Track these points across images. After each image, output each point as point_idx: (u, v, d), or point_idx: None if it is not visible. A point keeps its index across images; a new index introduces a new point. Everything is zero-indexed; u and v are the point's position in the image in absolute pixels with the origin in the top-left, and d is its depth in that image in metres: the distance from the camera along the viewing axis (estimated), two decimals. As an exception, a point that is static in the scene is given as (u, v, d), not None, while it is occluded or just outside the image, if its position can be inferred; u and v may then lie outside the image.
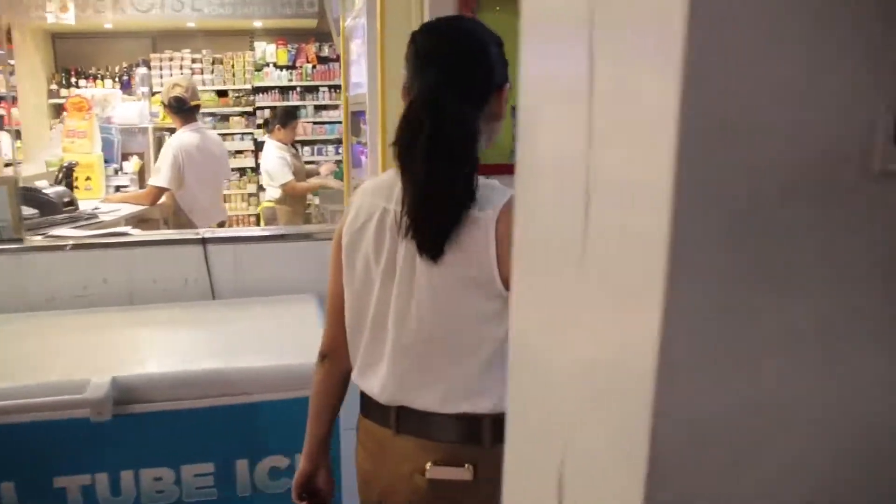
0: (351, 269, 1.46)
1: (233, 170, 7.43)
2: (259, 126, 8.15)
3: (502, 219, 1.29)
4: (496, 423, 1.37)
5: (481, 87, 1.34)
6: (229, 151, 6.52)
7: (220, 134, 5.87)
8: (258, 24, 8.15)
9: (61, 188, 3.70)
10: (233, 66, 8.32)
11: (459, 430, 1.39)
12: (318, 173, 5.52)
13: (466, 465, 1.38)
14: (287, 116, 5.23)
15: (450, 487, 1.39)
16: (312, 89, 8.40)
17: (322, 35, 7.88)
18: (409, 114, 1.31)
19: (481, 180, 1.32)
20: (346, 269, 1.47)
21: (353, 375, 1.52)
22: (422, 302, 1.35)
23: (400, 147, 1.31)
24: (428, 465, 1.38)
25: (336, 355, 1.56)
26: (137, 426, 1.96)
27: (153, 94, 5.97)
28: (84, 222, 3.40)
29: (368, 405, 1.49)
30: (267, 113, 7.71)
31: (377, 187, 1.44)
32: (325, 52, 8.34)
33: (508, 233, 1.13)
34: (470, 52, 1.35)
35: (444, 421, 1.38)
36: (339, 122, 6.20)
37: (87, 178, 4.40)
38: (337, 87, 7.65)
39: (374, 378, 1.45)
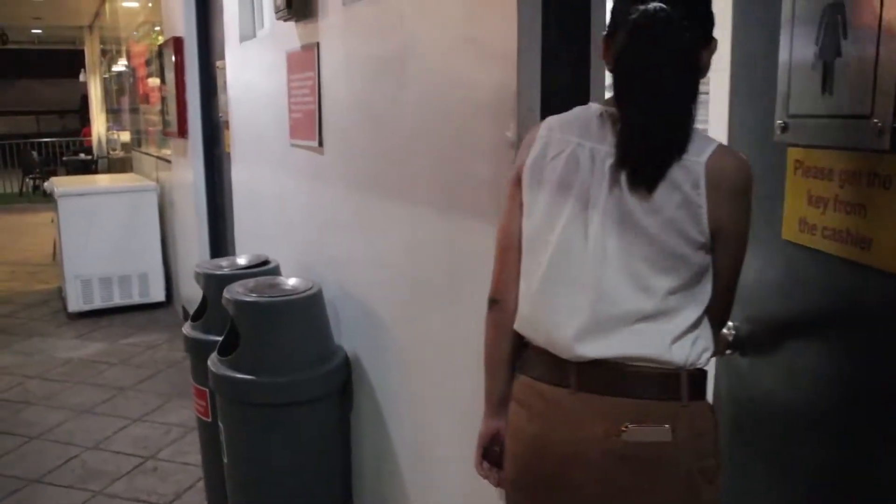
0: (533, 204, 1.42)
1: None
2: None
3: (710, 165, 1.28)
4: (692, 377, 1.32)
5: (699, 39, 1.31)
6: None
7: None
8: None
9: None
10: None
11: (657, 384, 1.31)
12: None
13: (665, 425, 1.29)
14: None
15: (646, 450, 1.30)
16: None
17: None
18: (632, 48, 1.29)
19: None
20: (527, 205, 1.43)
21: (518, 324, 1.45)
22: (623, 241, 1.31)
23: (623, 80, 1.32)
24: (626, 426, 1.29)
25: (508, 300, 1.47)
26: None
27: None
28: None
29: (535, 361, 1.42)
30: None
31: (567, 123, 1.42)
32: None
33: (715, 181, 1.28)
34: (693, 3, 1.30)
35: (639, 375, 1.31)
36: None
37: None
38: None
39: (550, 327, 1.37)
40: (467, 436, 1.98)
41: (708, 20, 1.32)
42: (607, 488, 1.32)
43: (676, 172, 1.29)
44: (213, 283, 3.02)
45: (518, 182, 1.45)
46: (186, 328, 3.13)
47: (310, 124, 2.91)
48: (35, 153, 16.92)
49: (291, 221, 3.32)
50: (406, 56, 2.19)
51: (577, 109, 1.44)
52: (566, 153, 1.38)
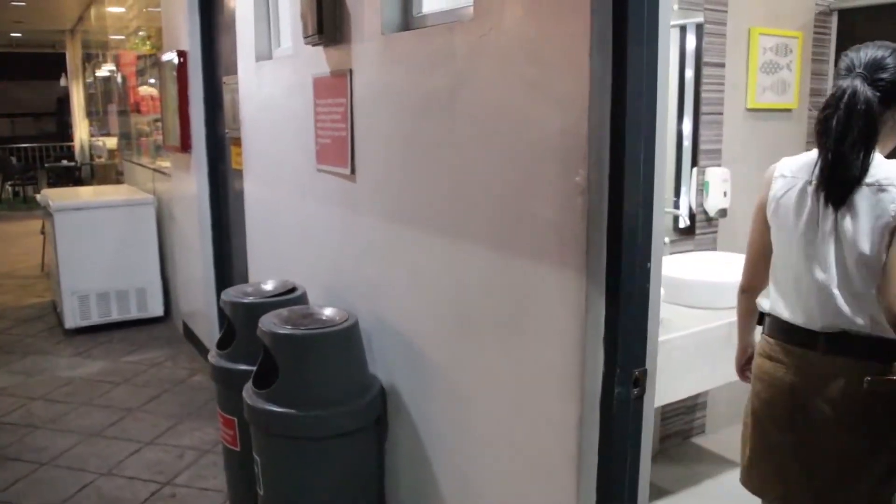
0: (778, 228, 2.13)
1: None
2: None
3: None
4: None
5: (883, 105, 1.95)
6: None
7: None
8: None
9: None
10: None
11: (885, 348, 1.96)
12: None
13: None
14: None
15: (880, 392, 1.95)
16: None
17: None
18: (829, 104, 1.98)
19: (877, 157, 1.96)
20: (773, 228, 2.15)
21: (772, 306, 2.18)
22: (838, 249, 1.98)
23: (821, 128, 1.99)
24: (867, 379, 1.94)
25: (754, 289, 2.31)
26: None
27: None
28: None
29: (787, 329, 2.12)
30: None
31: (796, 164, 2.12)
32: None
33: None
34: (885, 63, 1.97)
35: (870, 340, 1.97)
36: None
37: None
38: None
39: (802, 309, 2.07)
40: (520, 472, 1.98)
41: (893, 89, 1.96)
42: (843, 416, 2.01)
43: (864, 193, 1.93)
44: (241, 312, 2.99)
45: (762, 209, 2.19)
46: (213, 357, 3.09)
47: (340, 151, 2.88)
48: (14, 159, 16.66)
49: (316, 246, 3.28)
50: (457, 92, 2.17)
51: (805, 154, 2.12)
52: (797, 188, 2.07)
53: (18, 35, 16.38)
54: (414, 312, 2.55)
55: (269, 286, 3.14)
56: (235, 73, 4.24)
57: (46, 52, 18.94)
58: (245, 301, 3.00)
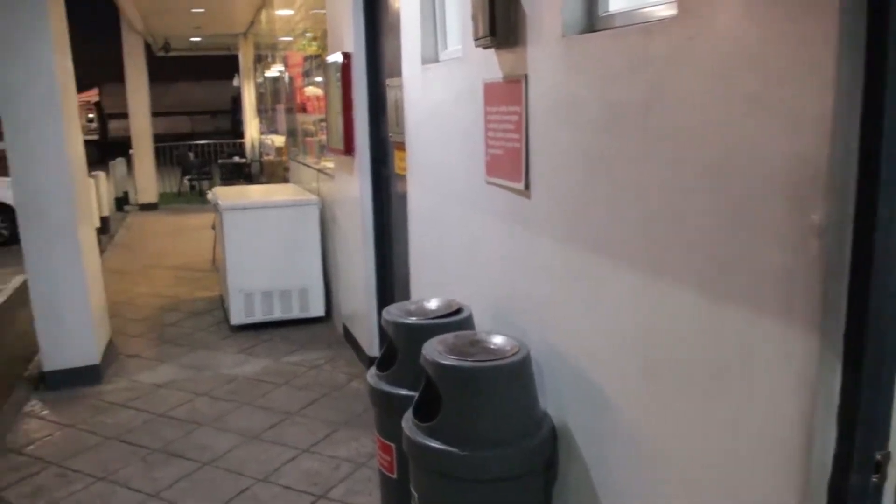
0: None
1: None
2: None
3: None
4: None
5: None
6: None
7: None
8: None
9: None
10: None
11: None
12: None
13: None
14: None
15: None
16: None
17: None
18: None
19: None
20: None
21: None
22: None
23: None
24: None
25: None
26: None
27: None
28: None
29: None
30: None
31: None
32: None
33: None
34: None
35: None
36: None
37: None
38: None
39: None
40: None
41: None
42: None
43: None
44: (403, 333, 2.82)
45: None
46: (372, 377, 2.95)
47: (513, 164, 2.65)
48: (191, 154, 17.60)
49: (483, 264, 3.08)
50: (652, 104, 1.88)
51: None
52: None
53: (198, 39, 17.29)
54: (592, 346, 2.28)
55: (433, 305, 2.96)
56: (400, 75, 4.11)
57: (222, 54, 19.92)
58: (407, 322, 2.83)
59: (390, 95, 4.47)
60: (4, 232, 11.07)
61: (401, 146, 4.24)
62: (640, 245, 1.99)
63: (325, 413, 4.62)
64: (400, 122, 4.16)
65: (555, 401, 2.54)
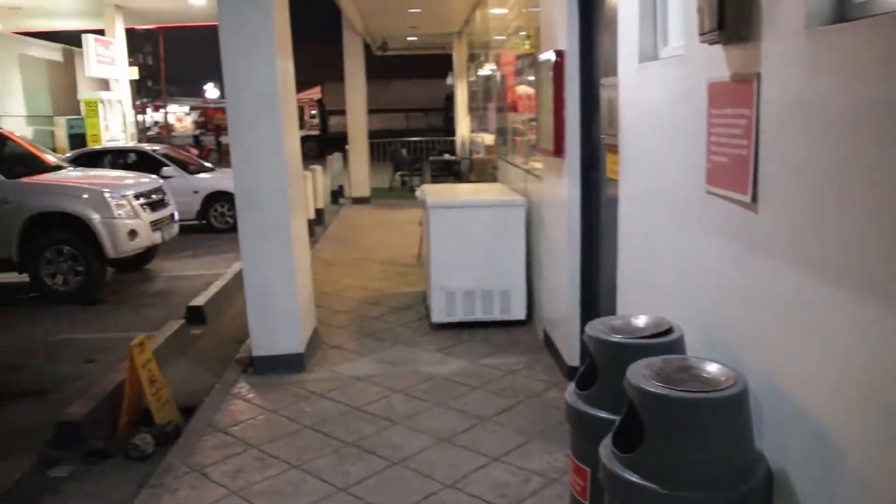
0: None
1: None
2: None
3: None
4: None
5: None
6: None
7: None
8: None
9: None
10: None
11: None
12: None
13: None
14: None
15: None
16: None
17: None
18: None
19: None
20: None
21: None
22: None
23: None
24: None
25: None
26: None
27: None
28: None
29: None
30: None
31: None
32: None
33: None
34: None
35: None
36: None
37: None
38: None
39: None
40: None
41: None
42: None
43: None
44: (606, 351, 2.62)
45: None
46: (570, 394, 2.77)
47: (739, 173, 2.37)
48: (404, 151, 18.17)
49: (697, 282, 2.81)
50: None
51: None
52: None
53: (414, 39, 17.81)
54: (822, 382, 1.98)
55: (640, 322, 2.74)
56: (614, 74, 3.89)
57: (436, 53, 20.42)
58: (612, 339, 2.62)
59: (604, 95, 4.26)
60: (230, 219, 11.97)
61: (613, 149, 4.02)
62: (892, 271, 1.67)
63: (520, 421, 4.49)
64: (613, 124, 3.94)
65: (773, 441, 2.24)
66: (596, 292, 4.86)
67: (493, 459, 4.02)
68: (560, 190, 5.07)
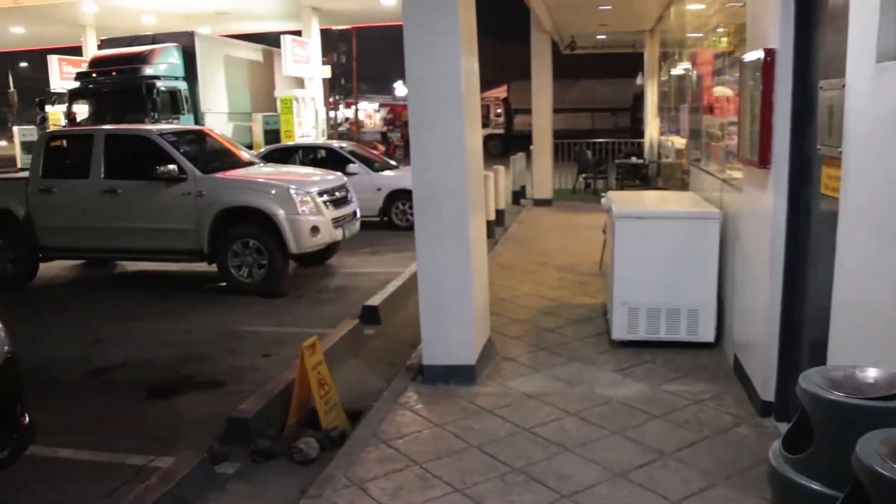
0: None
1: None
2: None
3: None
4: None
5: None
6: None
7: None
8: None
9: None
10: None
11: None
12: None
13: None
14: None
15: None
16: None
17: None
18: None
19: None
20: None
21: None
22: None
23: None
24: None
25: None
26: None
27: None
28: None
29: None
30: None
31: None
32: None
33: None
34: None
35: None
36: None
37: None
38: None
39: None
40: None
41: None
42: None
43: None
44: (825, 411, 2.17)
45: None
46: (775, 455, 2.34)
47: None
48: (589, 152, 17.64)
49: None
50: None
51: None
52: None
53: (603, 37, 17.29)
54: None
55: (870, 377, 2.25)
56: (838, 75, 3.35)
57: (626, 52, 19.73)
58: (832, 398, 2.17)
59: (823, 99, 3.70)
60: (410, 217, 12.01)
61: (831, 162, 3.48)
62: None
63: (704, 460, 4.04)
64: (834, 133, 3.40)
65: None
66: (800, 322, 4.29)
67: (671, 503, 3.62)
68: (763, 203, 4.53)
